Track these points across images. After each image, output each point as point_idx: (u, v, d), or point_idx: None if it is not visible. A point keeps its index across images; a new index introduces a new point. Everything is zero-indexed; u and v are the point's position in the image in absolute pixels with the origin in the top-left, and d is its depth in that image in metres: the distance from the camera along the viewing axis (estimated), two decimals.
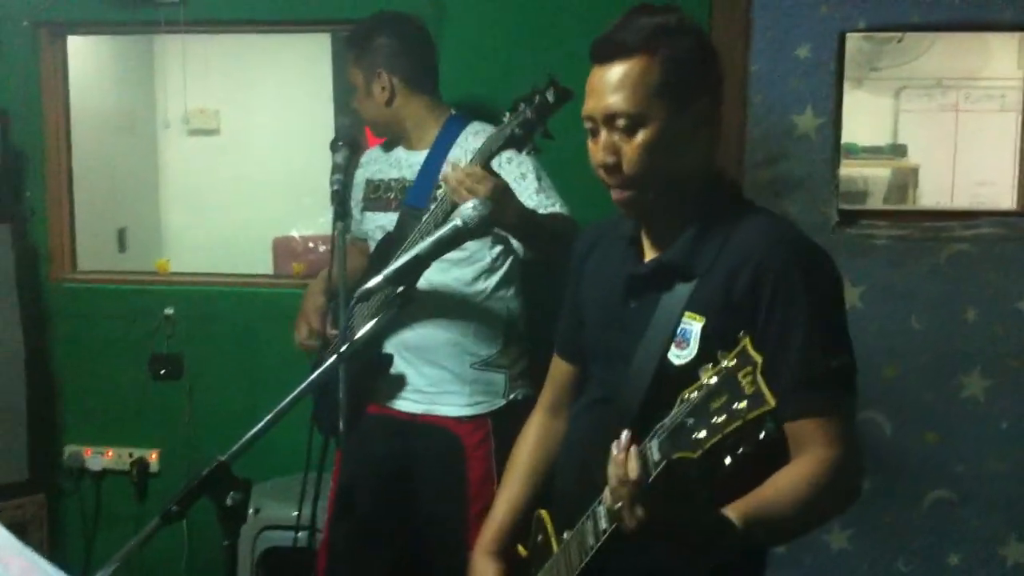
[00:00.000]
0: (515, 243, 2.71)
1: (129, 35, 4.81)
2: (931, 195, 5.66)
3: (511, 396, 2.88)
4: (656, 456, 1.51)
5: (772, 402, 1.36)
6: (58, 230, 3.94)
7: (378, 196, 2.94)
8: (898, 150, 5.89)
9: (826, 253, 1.82)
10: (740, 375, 1.40)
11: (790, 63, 3.30)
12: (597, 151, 1.79)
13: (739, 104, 3.33)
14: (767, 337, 1.69)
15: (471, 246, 2.67)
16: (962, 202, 5.45)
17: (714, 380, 1.44)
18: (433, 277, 2.59)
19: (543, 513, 2.00)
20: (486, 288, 2.84)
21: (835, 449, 1.71)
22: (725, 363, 1.44)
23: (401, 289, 1.79)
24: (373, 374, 2.85)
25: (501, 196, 2.35)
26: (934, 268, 3.31)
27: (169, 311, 3.79)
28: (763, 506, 1.65)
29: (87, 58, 4.63)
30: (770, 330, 1.70)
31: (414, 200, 2.79)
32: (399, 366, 2.87)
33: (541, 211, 2.63)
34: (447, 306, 2.81)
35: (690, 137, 1.78)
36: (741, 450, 1.40)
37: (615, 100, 1.74)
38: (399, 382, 2.87)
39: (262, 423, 1.70)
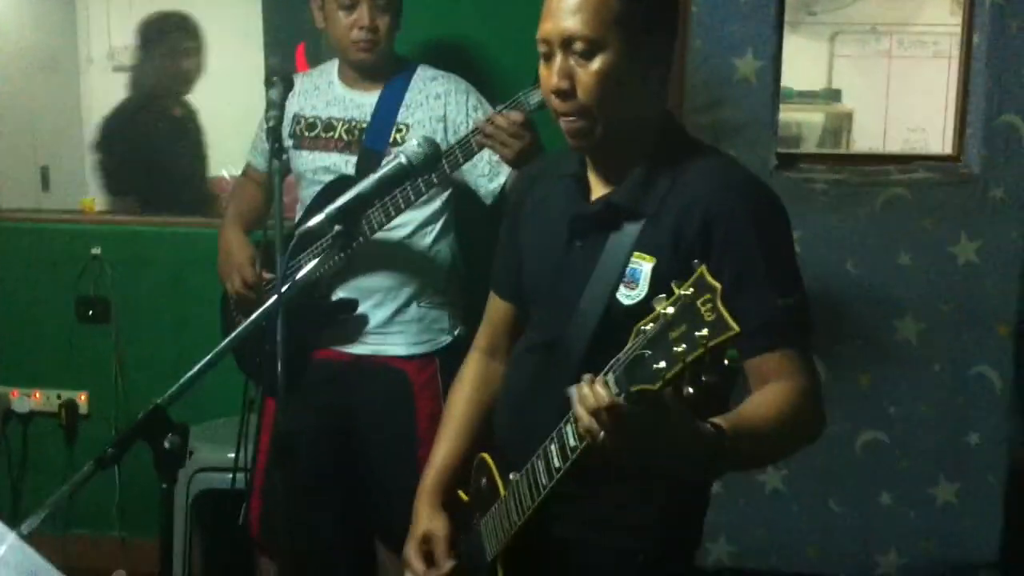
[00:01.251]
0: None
1: None
2: (864, 141, 5.72)
3: (455, 332, 2.92)
4: (614, 390, 1.47)
5: (735, 327, 1.34)
6: None
7: (315, 135, 2.88)
8: (832, 95, 5.93)
9: (774, 193, 1.81)
10: (699, 303, 1.38)
11: (730, 6, 3.28)
12: (550, 76, 1.73)
13: (680, 47, 3.30)
14: (721, 279, 1.67)
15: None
16: (895, 148, 5.51)
17: (671, 310, 1.40)
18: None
19: (486, 456, 1.97)
20: (429, 231, 2.86)
21: (802, 378, 1.72)
22: (682, 291, 1.41)
23: (340, 228, 1.74)
24: (330, 319, 2.83)
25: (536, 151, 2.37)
26: (870, 213, 3.34)
27: (96, 251, 3.70)
28: (745, 420, 1.63)
29: None
30: (724, 272, 1.65)
31: (372, 143, 2.77)
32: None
33: None
34: (392, 251, 2.82)
35: (645, 70, 1.75)
36: (704, 379, 1.38)
37: (574, 23, 1.69)
38: (348, 325, 2.85)
39: (199, 365, 1.66)
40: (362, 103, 2.86)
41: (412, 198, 2.62)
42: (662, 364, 1.38)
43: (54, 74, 5.52)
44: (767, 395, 1.70)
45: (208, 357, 1.66)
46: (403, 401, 2.86)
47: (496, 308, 2.12)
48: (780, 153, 3.38)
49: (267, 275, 2.82)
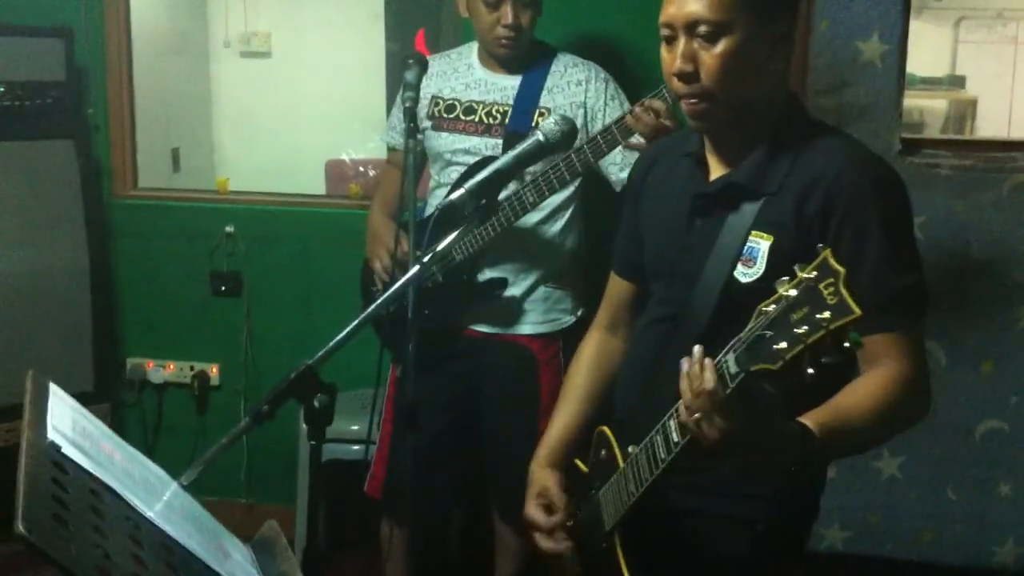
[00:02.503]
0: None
1: None
2: (988, 128, 5.59)
3: (578, 313, 2.99)
4: (733, 369, 1.52)
5: (858, 310, 1.37)
6: (120, 147, 3.98)
7: (455, 116, 2.95)
8: (956, 81, 5.81)
9: (897, 173, 1.82)
10: (822, 286, 1.41)
11: None
12: (674, 60, 1.74)
13: (803, 29, 3.30)
14: (839, 254, 1.70)
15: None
16: (1020, 136, 5.38)
17: (793, 292, 1.43)
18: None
19: (605, 429, 2.00)
20: (561, 216, 2.95)
21: (907, 363, 1.72)
22: (805, 275, 1.44)
23: (483, 202, 1.80)
24: (482, 297, 2.93)
25: None
26: (995, 199, 3.30)
27: (230, 229, 3.84)
28: (840, 414, 1.65)
29: None
30: (842, 249, 1.69)
31: (517, 125, 2.84)
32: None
33: None
34: (526, 234, 2.90)
35: (769, 53, 1.75)
36: (824, 360, 1.41)
37: (699, 6, 1.70)
38: (496, 304, 2.94)
39: (347, 329, 1.72)
40: (504, 86, 2.92)
41: (567, 178, 2.70)
42: (783, 344, 1.42)
43: (184, 58, 5.72)
44: (868, 384, 1.72)
45: (357, 321, 1.73)
46: (528, 377, 2.94)
47: (617, 287, 2.16)
48: (904, 138, 3.36)
49: (405, 251, 2.90)
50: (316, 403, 1.66)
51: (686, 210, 1.88)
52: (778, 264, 1.70)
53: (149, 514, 1.35)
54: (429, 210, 3.00)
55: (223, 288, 3.89)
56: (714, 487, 1.84)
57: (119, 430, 4.00)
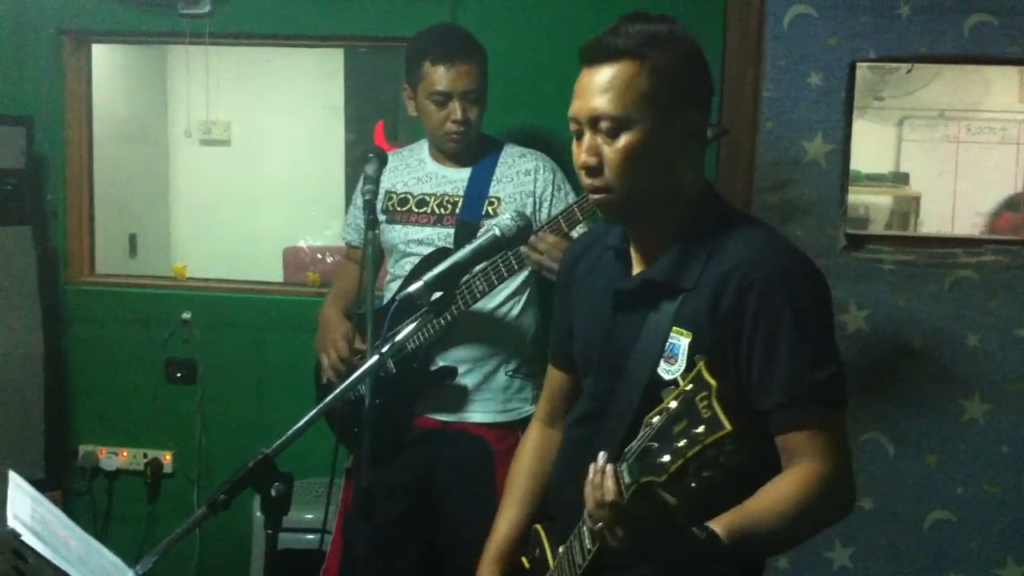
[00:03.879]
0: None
1: (148, 45, 4.87)
2: (932, 224, 5.73)
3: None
4: (627, 479, 1.52)
5: (728, 427, 1.36)
6: (77, 234, 4.01)
7: (407, 209, 3.02)
8: (900, 178, 5.96)
9: (812, 264, 1.81)
10: (697, 399, 1.40)
11: (801, 91, 3.38)
12: (580, 153, 1.78)
13: (750, 129, 3.42)
14: (753, 350, 1.71)
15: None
16: (962, 232, 5.52)
17: (674, 404, 1.44)
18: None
19: (539, 527, 2.02)
20: (516, 302, 3.00)
21: (825, 461, 1.70)
22: (683, 387, 1.43)
23: (439, 295, 1.85)
24: (433, 386, 2.95)
25: None
26: (938, 294, 3.39)
27: (186, 315, 3.86)
28: (749, 519, 1.64)
29: (103, 65, 4.70)
30: (756, 344, 1.71)
31: (468, 215, 2.92)
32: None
33: None
34: (482, 321, 2.94)
35: (674, 147, 1.77)
36: (705, 474, 1.41)
37: (600, 102, 1.73)
38: (447, 392, 2.97)
39: (304, 420, 1.75)
40: (454, 179, 3.00)
41: (515, 267, 2.77)
42: (667, 457, 1.42)
43: (143, 145, 5.77)
44: (782, 485, 1.70)
45: (315, 411, 1.76)
46: (484, 468, 2.95)
47: (554, 377, 2.16)
48: (849, 234, 3.45)
49: (360, 346, 2.94)
50: (273, 492, 1.68)
51: (609, 305, 1.88)
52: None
53: None
54: (385, 302, 3.05)
55: (178, 375, 3.89)
56: None
57: (71, 518, 3.95)
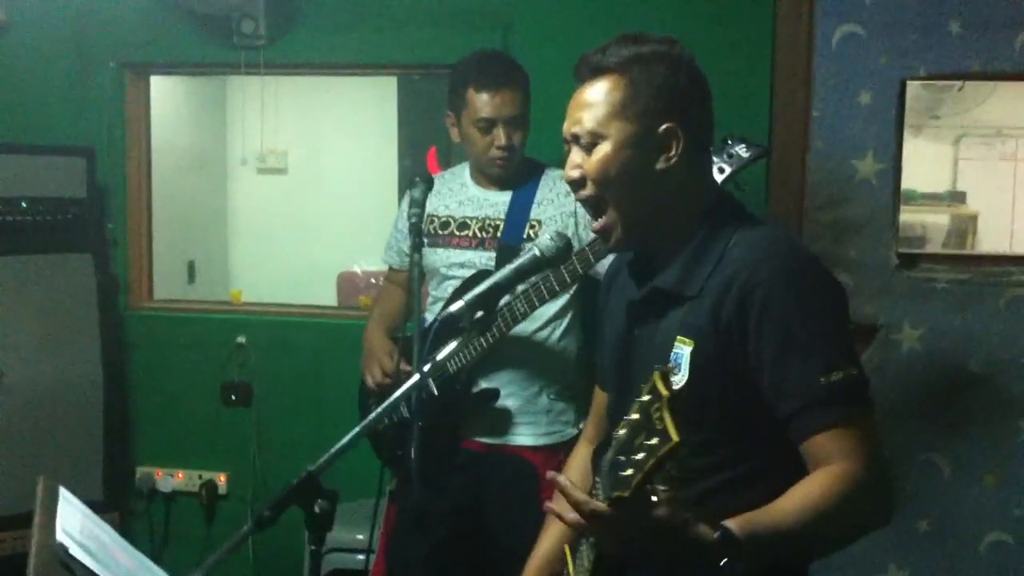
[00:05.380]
0: None
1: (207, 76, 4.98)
2: (990, 243, 5.65)
3: (580, 425, 2.98)
4: (601, 494, 1.50)
5: (675, 438, 1.33)
6: (137, 261, 4.10)
7: (449, 232, 3.04)
8: (957, 197, 5.90)
9: (819, 263, 1.78)
10: (652, 410, 1.37)
11: (851, 109, 3.37)
12: (565, 169, 1.83)
13: (800, 149, 3.41)
14: (762, 357, 1.66)
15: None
16: (1021, 251, 5.45)
17: (635, 416, 1.41)
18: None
19: (566, 546, 1.99)
20: (558, 325, 3.00)
21: (852, 461, 1.62)
22: (642, 397, 1.40)
23: (480, 315, 1.86)
24: (475, 409, 2.97)
25: None
26: (993, 312, 3.35)
27: (242, 339, 3.92)
28: (768, 516, 1.58)
29: (164, 97, 4.81)
30: (764, 350, 1.66)
31: (509, 239, 2.94)
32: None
33: None
34: (524, 344, 2.95)
35: (657, 158, 1.75)
36: (662, 489, 1.40)
37: (578, 118, 1.77)
38: (490, 415, 2.98)
39: (347, 437, 1.79)
40: (496, 202, 3.02)
41: (556, 289, 2.77)
42: (629, 471, 1.38)
43: (203, 174, 5.88)
44: (808, 484, 1.63)
45: (356, 429, 1.79)
46: (529, 491, 2.89)
47: (599, 398, 2.14)
48: (901, 253, 3.42)
49: (405, 367, 2.96)
50: (317, 508, 1.71)
51: (625, 319, 1.89)
52: (701, 370, 1.69)
53: None
54: (427, 324, 3.07)
55: (233, 398, 3.95)
56: None
57: (128, 539, 4.00)
